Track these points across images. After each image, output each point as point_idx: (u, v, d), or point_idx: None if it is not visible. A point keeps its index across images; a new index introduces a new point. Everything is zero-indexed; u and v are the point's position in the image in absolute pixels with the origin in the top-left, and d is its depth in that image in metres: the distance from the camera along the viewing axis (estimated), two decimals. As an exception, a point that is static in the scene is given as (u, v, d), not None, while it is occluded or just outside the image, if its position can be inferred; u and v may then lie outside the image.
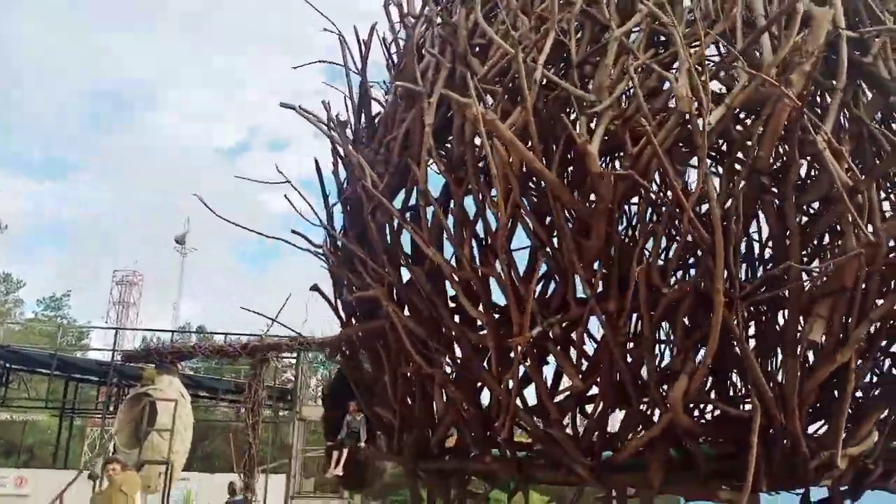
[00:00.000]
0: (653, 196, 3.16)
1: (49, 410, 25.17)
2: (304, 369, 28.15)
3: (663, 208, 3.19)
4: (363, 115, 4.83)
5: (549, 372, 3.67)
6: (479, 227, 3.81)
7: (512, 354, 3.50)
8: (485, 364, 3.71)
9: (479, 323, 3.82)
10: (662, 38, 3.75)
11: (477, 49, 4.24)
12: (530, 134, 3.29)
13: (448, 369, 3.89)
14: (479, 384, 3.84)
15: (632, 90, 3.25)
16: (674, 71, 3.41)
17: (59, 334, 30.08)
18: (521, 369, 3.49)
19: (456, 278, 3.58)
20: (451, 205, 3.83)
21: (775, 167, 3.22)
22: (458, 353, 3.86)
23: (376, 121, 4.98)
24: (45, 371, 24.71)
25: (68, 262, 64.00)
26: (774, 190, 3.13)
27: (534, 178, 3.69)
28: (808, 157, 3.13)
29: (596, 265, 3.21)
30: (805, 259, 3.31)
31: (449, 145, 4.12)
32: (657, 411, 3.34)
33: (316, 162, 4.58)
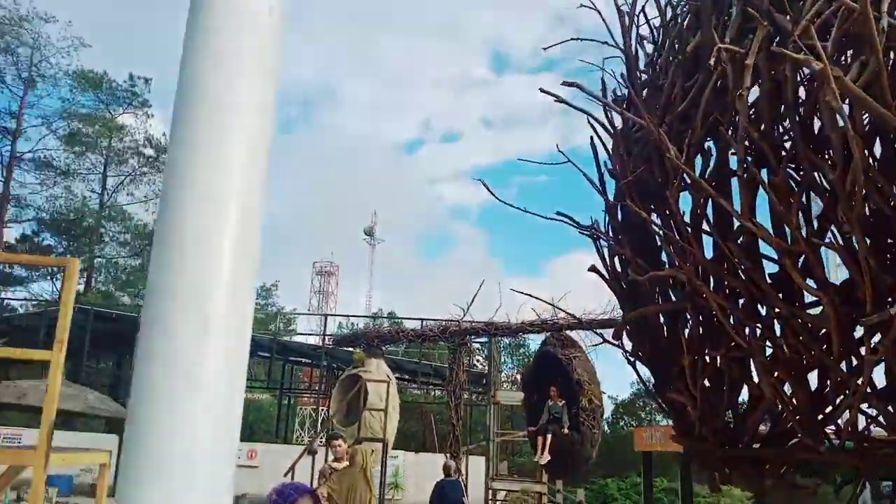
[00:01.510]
0: None
1: (269, 390, 27.73)
2: (495, 354, 28.72)
3: None
4: (633, 88, 4.65)
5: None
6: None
7: (860, 334, 3.18)
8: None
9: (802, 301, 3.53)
10: None
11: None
12: (881, 90, 2.94)
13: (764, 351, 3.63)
14: (806, 366, 3.53)
15: None
16: None
17: (276, 321, 33.06)
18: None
19: (783, 253, 3.30)
20: (764, 174, 3.55)
21: None
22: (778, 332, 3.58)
23: (644, 93, 4.78)
24: (264, 354, 27.30)
25: (266, 253, 69.95)
26: None
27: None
28: None
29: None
30: None
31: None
32: None
33: (592, 142, 4.47)
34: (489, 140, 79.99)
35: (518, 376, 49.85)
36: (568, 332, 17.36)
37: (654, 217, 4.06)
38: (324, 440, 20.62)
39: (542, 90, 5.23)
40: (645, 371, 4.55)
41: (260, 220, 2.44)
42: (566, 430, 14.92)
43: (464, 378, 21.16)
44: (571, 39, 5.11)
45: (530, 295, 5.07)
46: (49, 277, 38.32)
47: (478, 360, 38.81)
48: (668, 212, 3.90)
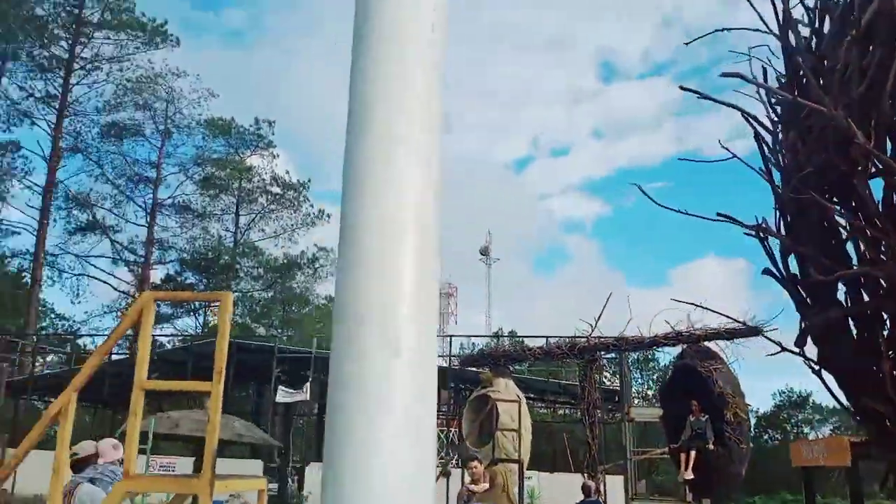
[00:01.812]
0: None
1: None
2: (625, 370, 27.82)
3: None
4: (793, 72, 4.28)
5: None
6: None
7: None
8: None
9: None
10: None
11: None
12: None
13: None
14: None
15: None
16: None
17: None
18: None
19: None
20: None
21: None
22: None
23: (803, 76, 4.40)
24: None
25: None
26: None
27: None
28: None
29: None
30: None
31: None
32: None
33: (756, 135, 4.14)
34: (600, 151, 78.29)
35: (648, 391, 48.06)
36: (706, 342, 16.50)
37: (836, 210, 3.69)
38: (457, 462, 20.58)
39: (682, 87, 5.01)
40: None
41: (438, 240, 2.36)
42: (711, 446, 14.15)
43: (597, 395, 20.55)
44: (717, 31, 4.79)
45: (696, 304, 4.75)
46: (192, 314, 41.10)
47: (605, 377, 37.79)
48: (853, 203, 3.51)
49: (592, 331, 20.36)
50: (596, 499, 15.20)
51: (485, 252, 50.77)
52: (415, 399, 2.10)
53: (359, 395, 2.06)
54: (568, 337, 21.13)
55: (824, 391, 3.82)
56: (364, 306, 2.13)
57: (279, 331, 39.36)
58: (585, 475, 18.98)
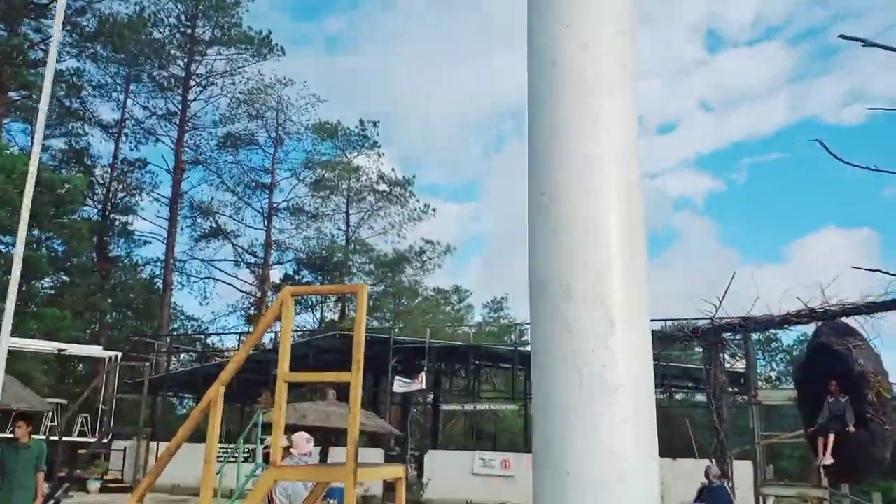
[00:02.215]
0: None
1: (514, 400, 28.03)
2: (751, 350, 26.48)
3: None
4: None
5: None
6: None
7: None
8: None
9: None
10: None
11: None
12: None
13: None
14: None
15: None
16: None
17: (510, 333, 33.66)
18: None
19: None
20: None
21: None
22: None
23: None
24: (505, 365, 27.83)
25: (494, 266, 70.95)
26: None
27: None
28: None
29: None
30: None
31: None
32: None
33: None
34: (710, 124, 74.14)
35: (771, 373, 45.65)
36: (844, 318, 15.40)
37: None
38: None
39: (842, 36, 4.67)
40: None
41: (642, 200, 2.16)
42: (852, 428, 13.15)
43: (723, 379, 19.65)
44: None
45: (880, 271, 4.35)
46: (309, 310, 42.73)
47: (725, 359, 36.16)
48: None
49: (716, 311, 19.49)
50: (722, 483, 14.40)
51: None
52: (635, 376, 1.89)
53: (573, 374, 1.87)
54: (689, 319, 20.30)
55: None
56: (571, 276, 1.94)
57: (391, 323, 40.21)
58: (713, 461, 18.20)
